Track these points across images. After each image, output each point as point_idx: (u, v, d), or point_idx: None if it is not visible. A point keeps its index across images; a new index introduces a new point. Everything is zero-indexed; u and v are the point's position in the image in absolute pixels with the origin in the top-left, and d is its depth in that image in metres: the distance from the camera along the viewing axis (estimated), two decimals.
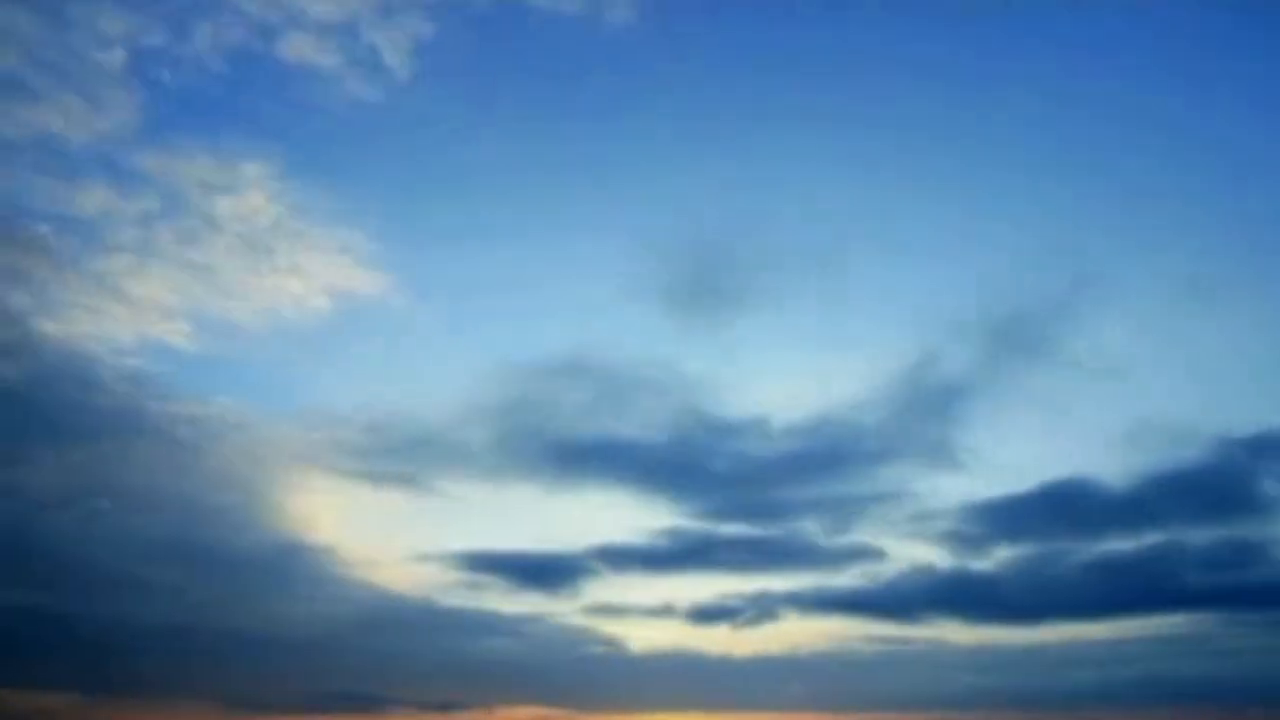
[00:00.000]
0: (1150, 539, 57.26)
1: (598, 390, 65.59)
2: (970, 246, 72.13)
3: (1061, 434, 64.37)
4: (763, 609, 59.46)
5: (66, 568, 48.29)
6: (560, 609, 59.67)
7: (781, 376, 68.99)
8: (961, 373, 65.27)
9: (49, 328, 51.84)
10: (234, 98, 59.53)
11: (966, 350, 66.27)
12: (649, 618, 59.88)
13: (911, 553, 60.67)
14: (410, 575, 58.18)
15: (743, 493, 63.52)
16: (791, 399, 66.07)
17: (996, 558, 59.61)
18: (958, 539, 60.51)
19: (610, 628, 59.56)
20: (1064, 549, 59.39)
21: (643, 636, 60.24)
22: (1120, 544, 58.07)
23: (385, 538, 61.61)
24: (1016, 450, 64.97)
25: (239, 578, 53.09)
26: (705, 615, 59.67)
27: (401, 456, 60.78)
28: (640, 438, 63.90)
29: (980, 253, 72.60)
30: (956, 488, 62.11)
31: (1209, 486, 56.18)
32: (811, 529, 61.83)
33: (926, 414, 64.82)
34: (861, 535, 61.29)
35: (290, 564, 55.20)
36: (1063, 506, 59.15)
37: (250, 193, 58.61)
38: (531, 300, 70.54)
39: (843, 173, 72.39)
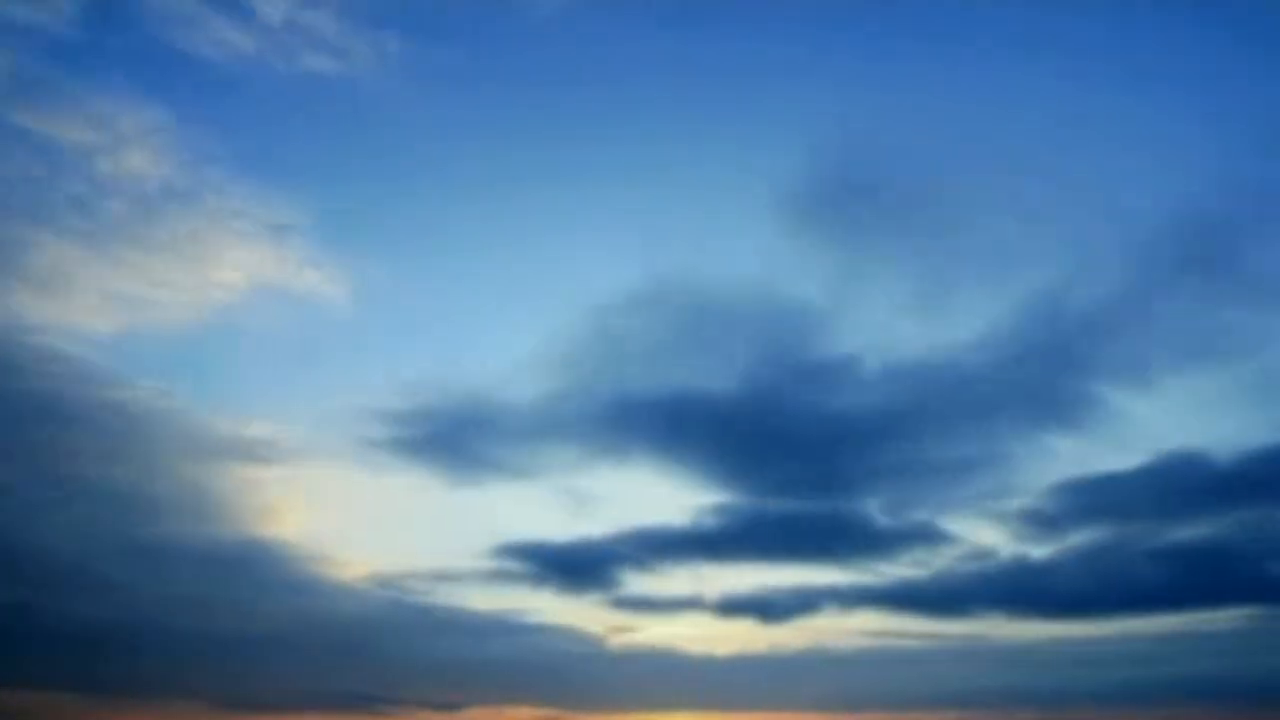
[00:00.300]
0: (1238, 522, 49.12)
1: (673, 329, 56.72)
2: (1138, 138, 57.21)
3: (1204, 388, 52.26)
4: (797, 603, 53.63)
5: (36, 563, 45.64)
6: (580, 604, 54.53)
7: (892, 306, 57.17)
8: (1103, 305, 52.75)
9: None
10: (97, 44, 51.61)
11: (1118, 274, 53.31)
12: (675, 612, 54.33)
13: (976, 536, 52.50)
14: (407, 570, 53.61)
15: (809, 457, 55.26)
16: (895, 335, 55.13)
17: (1066, 544, 51.77)
18: (1033, 520, 52.07)
19: (632, 624, 54.46)
20: (1141, 534, 51.40)
21: (666, 633, 55.05)
22: (1204, 529, 49.87)
23: (385, 530, 57.33)
24: (1147, 408, 52.04)
25: (215, 575, 49.75)
26: (735, 609, 54.13)
27: (406, 437, 54.36)
28: (710, 389, 55.42)
29: (1157, 144, 57.26)
30: (1055, 457, 51.96)
31: None
32: (872, 506, 53.80)
33: (1049, 360, 53.09)
34: (926, 513, 53.24)
35: (273, 562, 51.52)
36: (1163, 485, 49.96)
37: (134, 153, 51.99)
38: (589, 231, 60.92)
39: (970, 67, 58.35)
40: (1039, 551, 52.04)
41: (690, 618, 54.41)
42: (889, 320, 55.98)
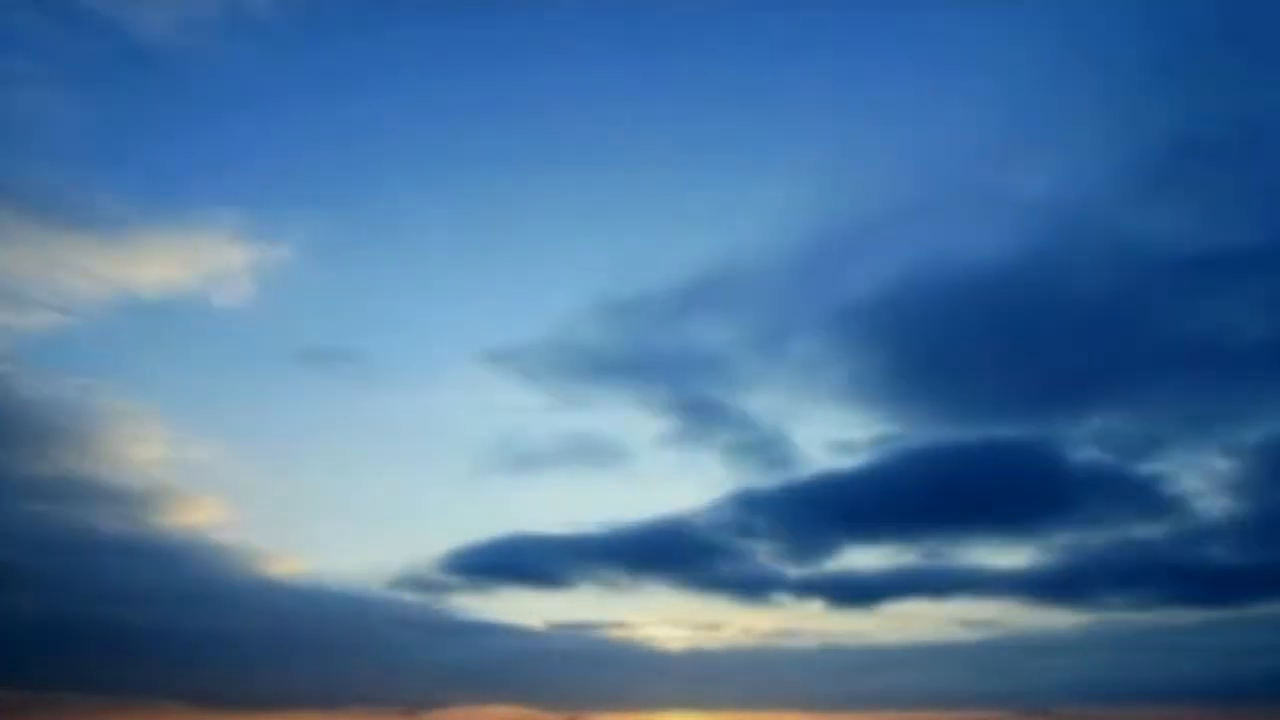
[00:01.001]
0: None
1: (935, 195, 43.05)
2: None
3: None
4: (885, 586, 46.52)
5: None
6: (667, 593, 48.50)
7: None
8: None
9: None
10: None
11: None
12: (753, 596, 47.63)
13: (1182, 482, 42.17)
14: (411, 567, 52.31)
15: (1048, 349, 40.53)
16: None
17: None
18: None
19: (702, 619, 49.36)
20: None
21: (697, 630, 50.59)
22: None
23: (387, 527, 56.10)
24: None
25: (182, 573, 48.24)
26: (812, 591, 46.80)
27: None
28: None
29: None
30: None
31: None
32: (1084, 434, 40.18)
33: None
34: (1142, 445, 40.75)
35: (230, 560, 50.10)
36: None
37: None
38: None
39: None
40: (1231, 506, 40.11)
41: (770, 602, 47.05)
42: None
